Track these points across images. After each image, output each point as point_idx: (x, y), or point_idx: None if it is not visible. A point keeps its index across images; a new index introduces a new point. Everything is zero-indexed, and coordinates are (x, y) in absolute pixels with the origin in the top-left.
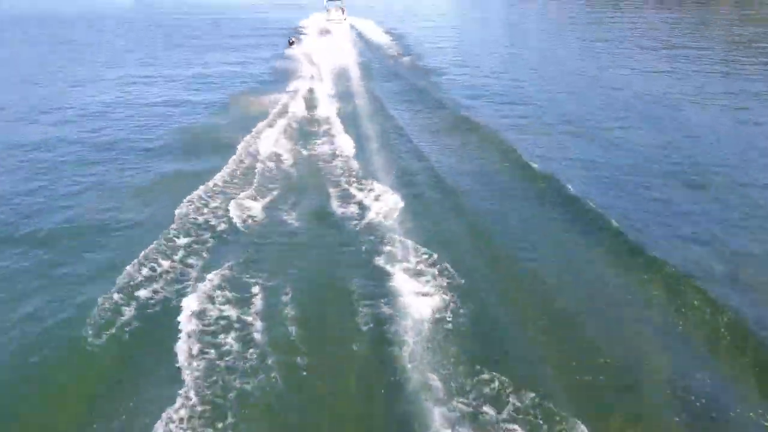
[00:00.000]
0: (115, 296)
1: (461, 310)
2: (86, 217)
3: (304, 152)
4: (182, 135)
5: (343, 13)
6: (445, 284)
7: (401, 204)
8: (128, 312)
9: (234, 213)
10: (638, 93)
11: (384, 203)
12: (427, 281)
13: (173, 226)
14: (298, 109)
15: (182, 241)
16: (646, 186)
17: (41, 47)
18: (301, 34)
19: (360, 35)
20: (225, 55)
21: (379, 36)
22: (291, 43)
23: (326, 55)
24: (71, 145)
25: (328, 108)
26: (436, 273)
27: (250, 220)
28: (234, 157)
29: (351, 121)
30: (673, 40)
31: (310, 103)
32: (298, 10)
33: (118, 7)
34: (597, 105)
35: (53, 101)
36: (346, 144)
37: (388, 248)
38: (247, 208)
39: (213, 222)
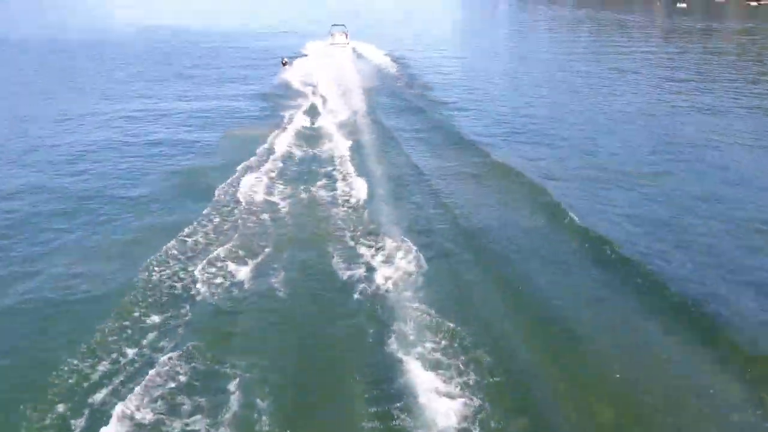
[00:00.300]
0: (60, 407)
1: (492, 423)
2: (45, 288)
3: (304, 196)
4: (169, 180)
5: (346, 37)
6: (472, 382)
7: (417, 267)
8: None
9: (214, 281)
10: (670, 131)
11: (396, 267)
12: (450, 377)
13: (142, 299)
14: (296, 146)
15: (151, 320)
16: (700, 244)
17: (32, 76)
18: (303, 61)
19: (364, 61)
20: (221, 85)
21: (384, 62)
22: (284, 64)
23: (328, 84)
24: (47, 193)
25: (330, 145)
26: (461, 365)
27: (234, 290)
28: (221, 207)
29: (356, 161)
30: (693, 71)
31: (311, 140)
32: (297, 38)
33: (118, 33)
34: (627, 145)
35: (38, 140)
36: (351, 189)
37: (400, 327)
38: (231, 273)
39: (191, 291)
